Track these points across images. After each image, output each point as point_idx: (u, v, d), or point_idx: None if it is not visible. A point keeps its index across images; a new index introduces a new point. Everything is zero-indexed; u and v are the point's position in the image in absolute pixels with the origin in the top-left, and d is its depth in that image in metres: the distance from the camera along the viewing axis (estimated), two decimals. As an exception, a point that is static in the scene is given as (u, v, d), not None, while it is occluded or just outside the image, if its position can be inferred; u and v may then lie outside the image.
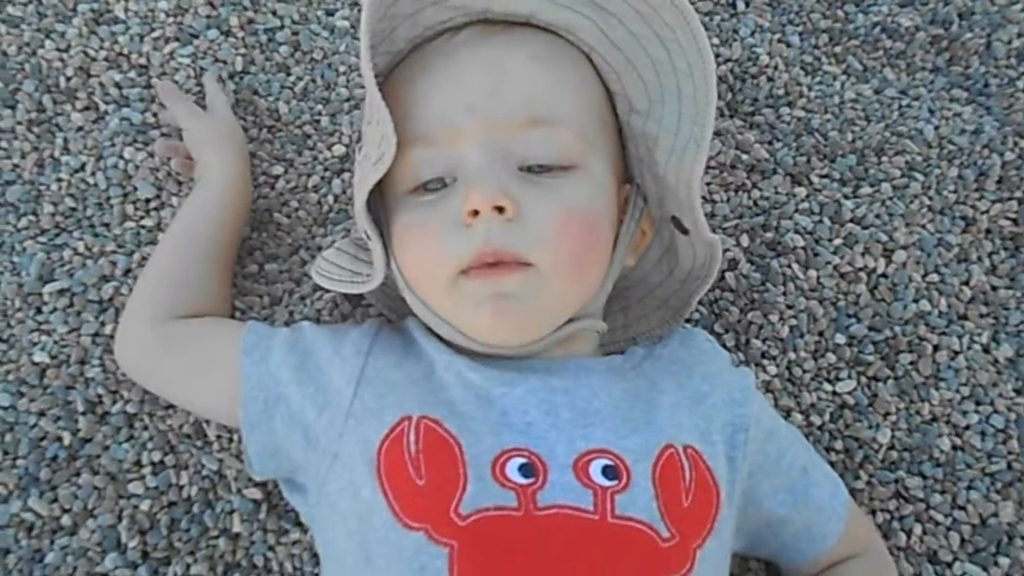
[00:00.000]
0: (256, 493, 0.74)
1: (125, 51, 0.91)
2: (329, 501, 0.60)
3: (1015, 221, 0.90)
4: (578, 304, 0.63)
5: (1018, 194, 0.91)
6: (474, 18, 0.65)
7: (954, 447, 0.79)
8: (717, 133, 0.90)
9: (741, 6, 1.02)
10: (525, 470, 0.55)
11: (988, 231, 0.90)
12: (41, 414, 0.76)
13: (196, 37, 0.92)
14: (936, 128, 0.94)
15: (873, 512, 0.76)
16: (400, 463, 0.56)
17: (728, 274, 0.83)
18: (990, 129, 0.95)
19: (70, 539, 0.72)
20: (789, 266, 0.84)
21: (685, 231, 0.66)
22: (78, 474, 0.74)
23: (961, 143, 0.93)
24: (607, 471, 0.56)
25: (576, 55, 0.66)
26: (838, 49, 1.00)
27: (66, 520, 0.72)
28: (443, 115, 0.61)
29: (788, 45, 0.99)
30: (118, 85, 0.89)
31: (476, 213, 0.57)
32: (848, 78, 0.98)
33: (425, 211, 0.61)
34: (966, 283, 0.87)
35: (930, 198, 0.90)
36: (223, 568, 0.72)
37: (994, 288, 0.87)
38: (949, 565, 0.74)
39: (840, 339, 0.82)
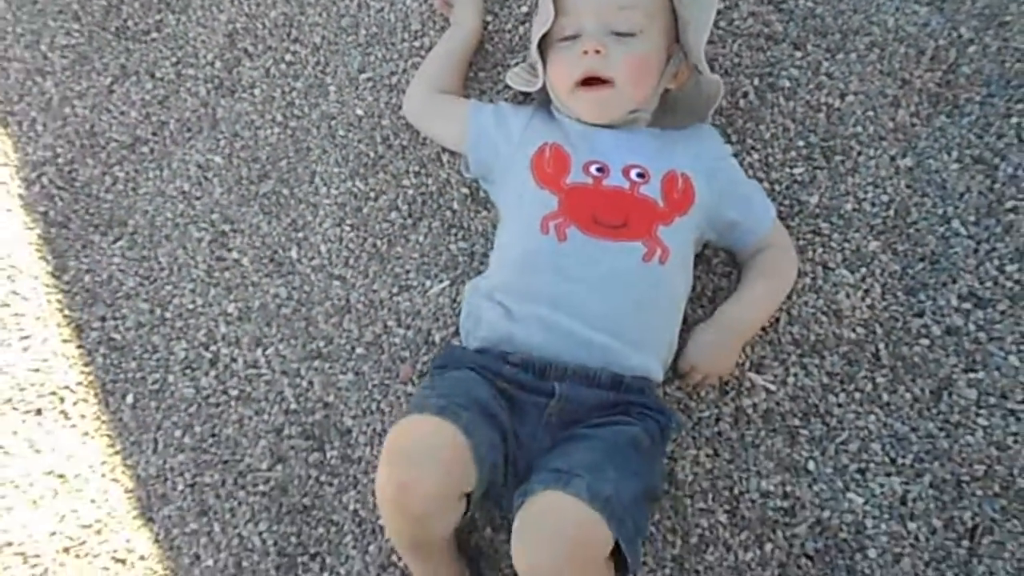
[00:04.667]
0: (465, 190, 1.43)
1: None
2: (506, 181, 1.28)
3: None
4: (637, 103, 1.25)
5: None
6: None
7: (854, 209, 1.37)
8: (752, 13, 1.47)
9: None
10: (598, 170, 1.21)
11: None
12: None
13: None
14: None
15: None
16: (541, 161, 1.23)
17: (741, 101, 1.42)
18: None
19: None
20: (777, 98, 1.42)
21: (699, 72, 1.27)
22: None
23: None
24: (639, 174, 1.21)
25: None
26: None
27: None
28: (577, 3, 1.23)
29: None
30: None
31: (586, 53, 1.20)
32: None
33: (563, 52, 1.24)
34: None
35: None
36: (448, 225, 1.42)
37: None
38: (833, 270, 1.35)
39: (800, 143, 1.40)
